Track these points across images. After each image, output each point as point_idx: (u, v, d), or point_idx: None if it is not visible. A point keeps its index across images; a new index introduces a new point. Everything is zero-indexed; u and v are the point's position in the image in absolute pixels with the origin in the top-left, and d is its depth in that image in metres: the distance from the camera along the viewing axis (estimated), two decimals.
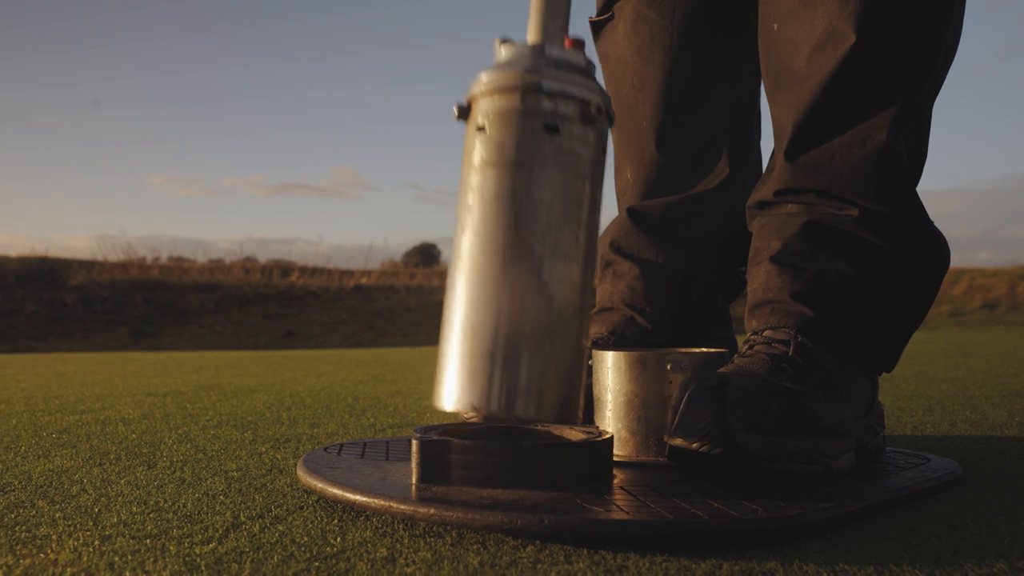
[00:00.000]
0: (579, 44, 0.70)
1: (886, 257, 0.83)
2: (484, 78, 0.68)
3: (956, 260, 0.94)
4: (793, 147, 0.85)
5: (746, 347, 0.82)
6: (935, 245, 0.87)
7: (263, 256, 12.68)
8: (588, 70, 0.70)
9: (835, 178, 0.83)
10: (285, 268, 11.48)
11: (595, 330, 1.02)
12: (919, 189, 0.87)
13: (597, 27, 1.08)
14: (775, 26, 0.87)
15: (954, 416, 1.29)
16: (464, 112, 0.69)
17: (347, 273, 11.42)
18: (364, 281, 10.98)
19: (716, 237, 1.03)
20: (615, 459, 0.81)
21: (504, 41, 0.70)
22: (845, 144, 0.83)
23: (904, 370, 2.26)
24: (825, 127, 0.83)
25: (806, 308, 0.81)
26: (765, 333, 0.82)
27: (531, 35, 0.71)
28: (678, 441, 0.72)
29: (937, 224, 0.88)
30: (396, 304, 10.08)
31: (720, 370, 0.77)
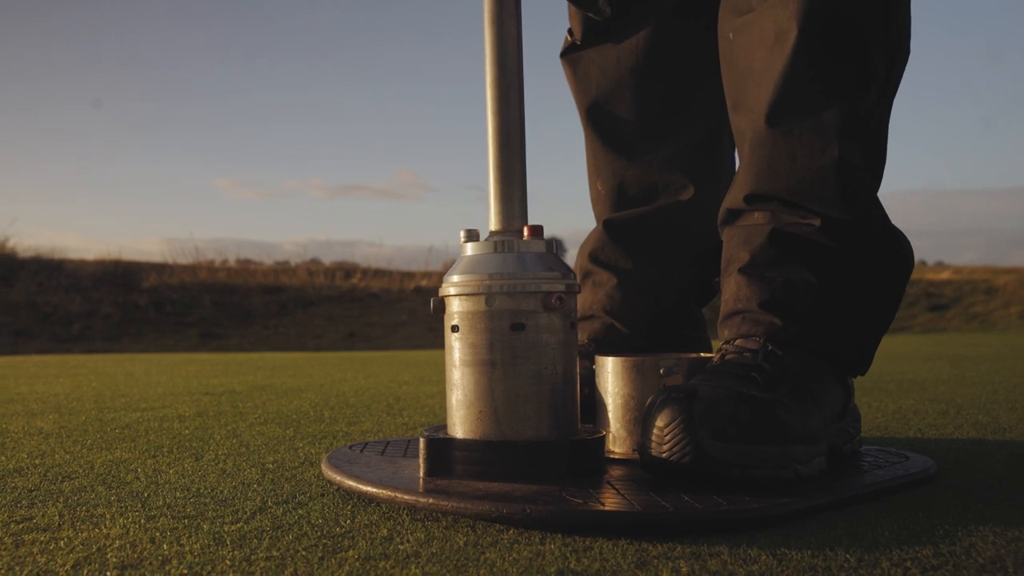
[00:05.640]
0: (538, 231, 0.80)
1: (850, 264, 0.87)
2: (454, 279, 0.80)
3: None
4: (754, 148, 0.90)
5: (717, 357, 0.86)
6: (898, 248, 0.91)
7: (327, 258, 12.93)
8: (549, 260, 0.80)
9: (798, 184, 0.87)
10: (348, 270, 11.70)
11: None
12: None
13: (568, 47, 1.14)
14: (731, 35, 0.93)
15: (964, 419, 1.33)
16: (439, 308, 0.81)
17: (408, 275, 11.58)
18: (425, 283, 11.12)
19: (689, 245, 1.09)
20: (613, 456, 0.88)
21: (469, 235, 0.81)
22: (805, 149, 0.87)
23: (940, 373, 2.28)
24: (782, 126, 0.87)
25: (775, 317, 0.86)
26: (736, 343, 0.86)
27: (492, 223, 0.82)
28: (650, 450, 0.75)
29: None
30: None
31: (692, 380, 0.82)
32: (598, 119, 1.13)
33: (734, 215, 0.92)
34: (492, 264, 0.79)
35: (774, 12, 0.88)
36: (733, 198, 0.92)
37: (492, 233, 0.82)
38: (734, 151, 1.14)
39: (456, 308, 0.79)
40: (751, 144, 0.90)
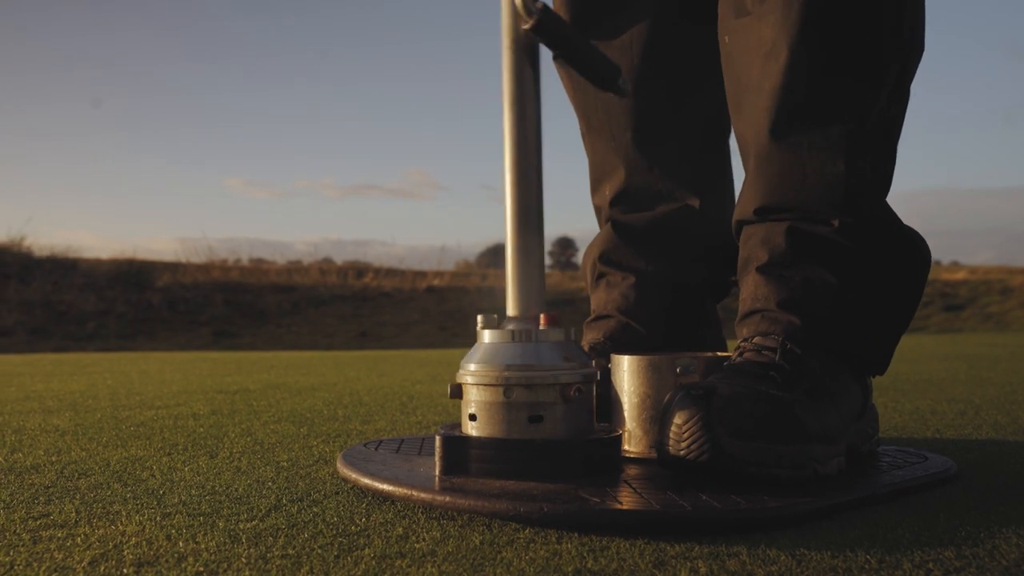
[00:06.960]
0: (555, 320, 0.80)
1: (868, 263, 0.87)
2: (471, 367, 0.80)
3: None
4: (760, 163, 0.89)
5: (736, 355, 0.85)
6: (913, 249, 0.90)
7: (339, 257, 12.97)
8: (567, 349, 0.80)
9: (809, 199, 0.87)
10: (360, 269, 11.72)
11: (592, 336, 1.08)
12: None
13: None
14: (727, 38, 0.92)
15: (983, 419, 1.31)
16: (456, 394, 0.81)
17: (420, 274, 11.60)
18: (436, 282, 11.14)
19: (701, 244, 1.09)
20: (630, 455, 0.87)
21: (487, 322, 0.81)
22: (815, 164, 0.86)
23: (956, 374, 2.26)
24: (787, 140, 0.87)
25: (793, 316, 0.85)
26: (754, 341, 0.85)
27: (510, 309, 0.82)
28: (668, 448, 0.75)
29: None
30: (467, 305, 10.22)
31: (709, 378, 0.81)
32: (597, 122, 1.12)
33: (748, 223, 0.92)
34: (510, 354, 0.79)
35: (771, 20, 0.86)
36: (743, 211, 0.92)
37: (509, 319, 0.82)
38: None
39: (474, 397, 0.79)
40: (756, 158, 0.89)
